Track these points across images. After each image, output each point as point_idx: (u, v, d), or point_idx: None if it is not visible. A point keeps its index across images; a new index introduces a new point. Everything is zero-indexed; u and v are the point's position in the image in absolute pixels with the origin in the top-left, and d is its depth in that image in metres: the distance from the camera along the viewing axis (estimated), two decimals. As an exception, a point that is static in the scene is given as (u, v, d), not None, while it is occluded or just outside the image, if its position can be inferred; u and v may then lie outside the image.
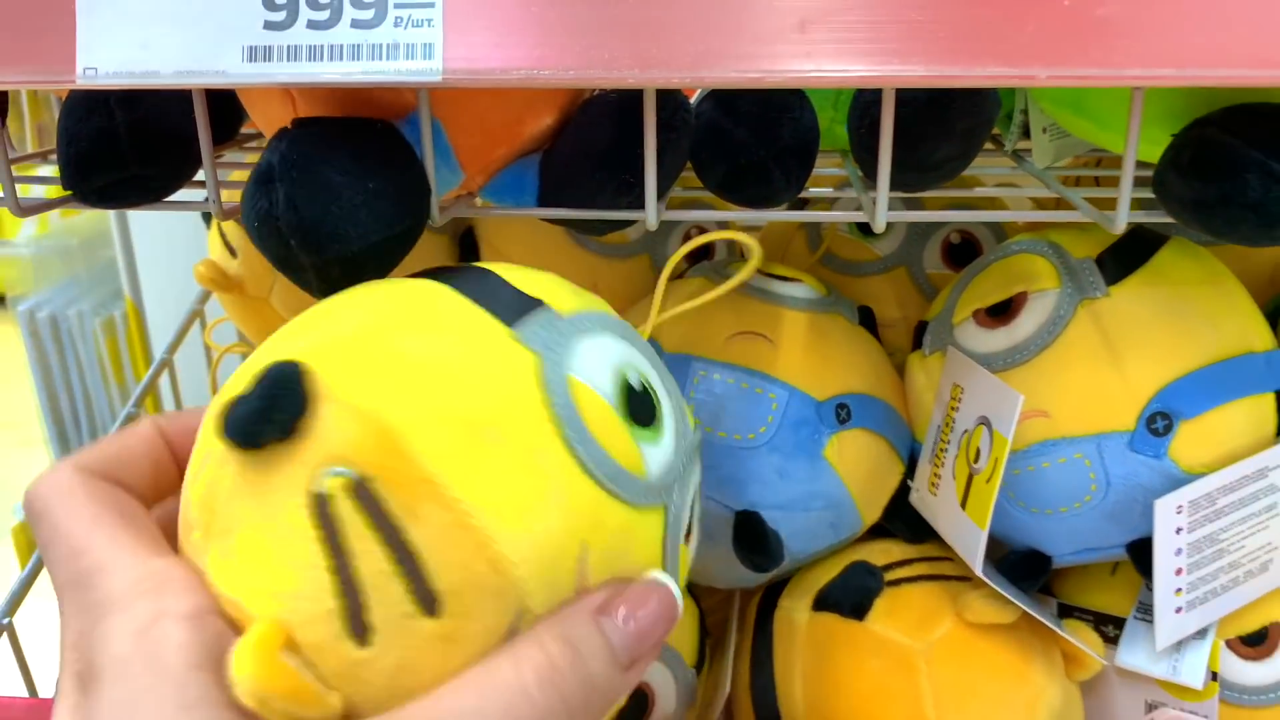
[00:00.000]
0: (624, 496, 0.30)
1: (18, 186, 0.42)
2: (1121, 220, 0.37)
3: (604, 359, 0.32)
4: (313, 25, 0.33)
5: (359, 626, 0.27)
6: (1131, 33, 0.31)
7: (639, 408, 0.31)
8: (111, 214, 0.77)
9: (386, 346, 0.29)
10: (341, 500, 0.27)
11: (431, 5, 0.33)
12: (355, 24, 0.33)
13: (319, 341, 0.30)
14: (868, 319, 0.57)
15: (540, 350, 0.30)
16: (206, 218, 0.73)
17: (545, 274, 0.34)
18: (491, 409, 0.28)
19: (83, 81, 0.34)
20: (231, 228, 0.65)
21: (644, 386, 0.32)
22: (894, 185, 0.42)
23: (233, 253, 0.65)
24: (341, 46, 0.33)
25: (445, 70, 0.33)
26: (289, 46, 0.33)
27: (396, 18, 0.33)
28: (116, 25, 0.34)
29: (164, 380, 0.72)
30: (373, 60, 0.33)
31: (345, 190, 0.34)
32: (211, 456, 0.29)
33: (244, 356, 0.75)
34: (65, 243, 1.09)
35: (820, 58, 0.32)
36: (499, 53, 0.33)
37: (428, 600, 0.27)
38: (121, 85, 0.34)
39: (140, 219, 0.99)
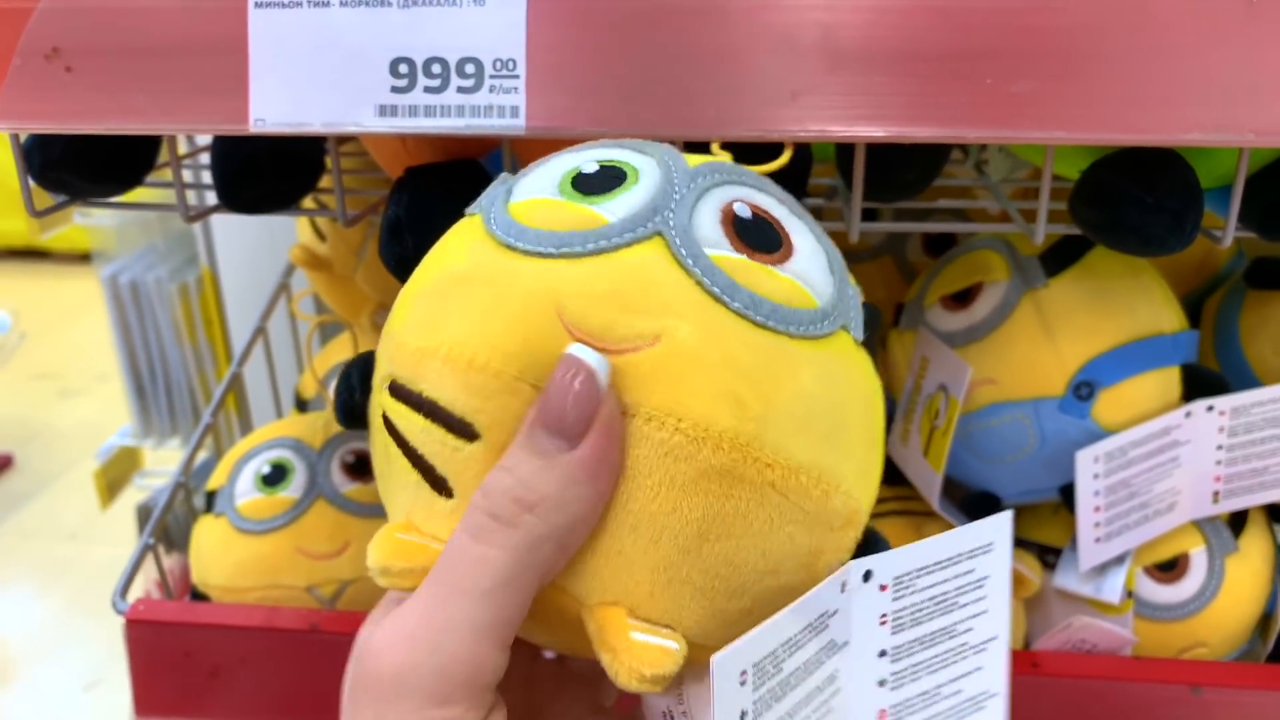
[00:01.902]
0: (586, 249, 0.32)
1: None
2: (1040, 235, 0.48)
3: (553, 169, 0.35)
4: (428, 90, 0.45)
5: (437, 484, 0.32)
6: (1035, 105, 0.42)
7: (588, 184, 0.33)
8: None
9: (404, 292, 0.35)
10: (389, 404, 0.33)
11: (517, 77, 0.44)
12: (460, 89, 0.45)
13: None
14: (855, 301, 0.68)
15: (482, 208, 0.35)
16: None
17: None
18: (460, 268, 0.33)
19: (254, 129, 0.46)
20: (310, 203, 0.77)
21: (603, 165, 0.34)
22: (871, 198, 0.54)
23: (321, 237, 0.77)
24: (450, 106, 0.45)
25: (527, 126, 0.44)
26: (410, 105, 0.45)
27: (491, 85, 0.44)
28: (280, 88, 0.46)
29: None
30: (473, 117, 0.44)
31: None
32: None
33: (332, 327, 0.87)
34: (144, 214, 1.21)
35: (807, 120, 0.43)
36: (568, 113, 0.44)
37: (464, 429, 0.31)
38: (283, 132, 0.46)
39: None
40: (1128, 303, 0.59)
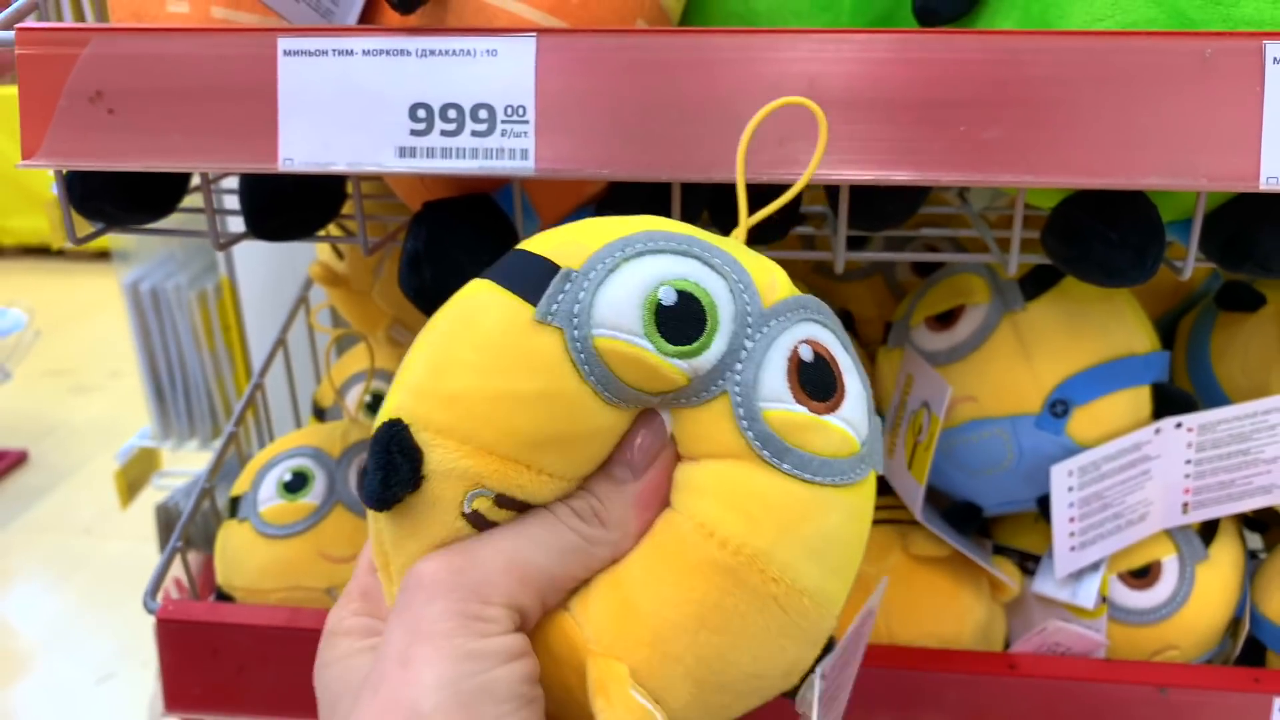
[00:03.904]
0: (660, 405, 0.36)
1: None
2: (1013, 266, 0.52)
3: (631, 290, 0.34)
4: (444, 133, 0.48)
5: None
6: (1005, 151, 0.46)
7: (675, 325, 0.34)
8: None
9: (454, 383, 0.34)
10: (490, 510, 0.35)
11: (527, 122, 0.48)
12: (474, 133, 0.48)
13: (408, 392, 0.35)
14: (845, 320, 0.72)
15: (562, 324, 0.34)
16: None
17: (579, 223, 0.38)
18: (547, 402, 0.34)
19: (283, 168, 0.49)
20: (335, 229, 0.81)
21: (682, 292, 0.34)
22: (859, 227, 0.57)
23: (340, 255, 0.80)
24: (464, 149, 0.48)
25: (537, 168, 0.48)
26: (427, 147, 0.48)
27: (503, 129, 0.48)
28: (307, 130, 0.49)
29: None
30: (486, 159, 0.48)
31: (469, 266, 0.50)
32: (369, 516, 0.37)
33: (349, 339, 0.90)
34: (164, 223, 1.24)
35: (793, 164, 0.47)
36: (573, 156, 0.48)
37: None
38: (310, 171, 0.49)
39: (231, 202, 1.14)
40: (1101, 325, 0.62)
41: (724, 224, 0.58)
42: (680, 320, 0.34)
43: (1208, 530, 0.68)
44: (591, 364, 0.34)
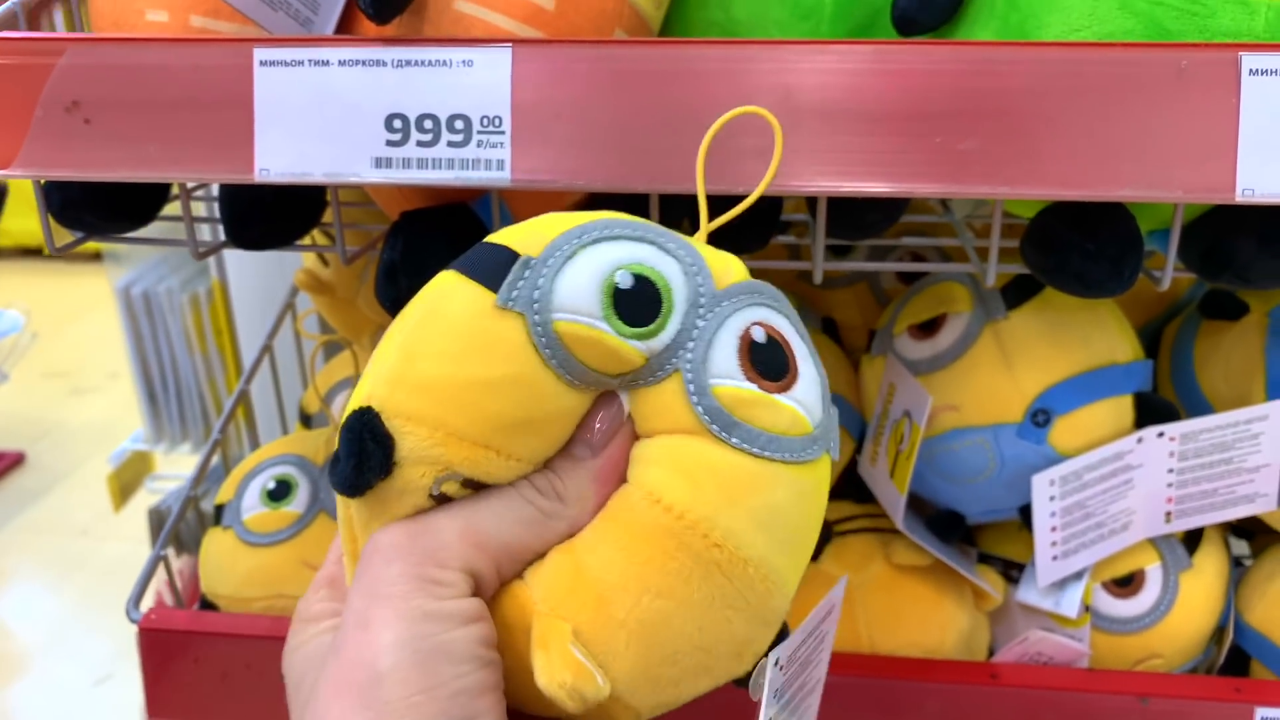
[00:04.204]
0: (616, 386, 0.36)
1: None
2: (991, 277, 0.52)
3: (588, 275, 0.35)
4: (420, 144, 0.48)
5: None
6: (981, 162, 0.46)
7: (630, 307, 0.35)
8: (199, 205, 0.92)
9: (424, 371, 0.35)
10: (457, 493, 0.36)
11: (502, 133, 0.48)
12: (450, 144, 0.48)
13: (379, 380, 0.36)
14: (830, 328, 0.72)
15: (523, 309, 0.34)
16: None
17: (540, 217, 0.38)
18: (512, 387, 0.34)
19: (259, 178, 0.49)
20: (320, 238, 0.81)
21: (639, 276, 0.35)
22: (840, 237, 0.57)
23: (325, 262, 0.80)
24: (440, 159, 0.48)
25: (513, 179, 0.48)
26: (403, 158, 0.48)
27: (479, 140, 0.48)
28: (283, 141, 0.49)
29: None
30: (462, 170, 0.48)
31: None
32: (339, 501, 0.38)
33: (334, 345, 0.90)
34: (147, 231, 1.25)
35: (778, 177, 0.47)
36: (550, 167, 0.48)
37: None
38: (285, 182, 0.49)
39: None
40: (1083, 334, 0.62)
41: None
42: (637, 303, 0.35)
43: (1192, 538, 0.68)
44: (553, 348, 0.34)
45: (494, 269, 0.35)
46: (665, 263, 0.36)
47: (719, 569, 0.34)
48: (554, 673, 0.33)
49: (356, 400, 0.36)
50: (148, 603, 0.68)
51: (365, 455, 0.34)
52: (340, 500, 0.38)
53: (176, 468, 1.44)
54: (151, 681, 0.65)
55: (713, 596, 0.34)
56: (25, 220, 3.71)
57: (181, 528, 1.32)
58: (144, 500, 1.43)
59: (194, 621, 0.65)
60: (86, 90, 0.50)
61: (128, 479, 1.39)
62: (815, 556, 0.66)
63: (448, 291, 0.36)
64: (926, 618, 0.64)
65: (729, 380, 0.35)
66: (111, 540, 2.42)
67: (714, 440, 0.35)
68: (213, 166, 0.50)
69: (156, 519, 1.32)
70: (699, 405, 0.35)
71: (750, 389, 0.35)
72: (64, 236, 0.58)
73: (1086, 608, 0.66)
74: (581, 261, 0.35)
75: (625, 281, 0.35)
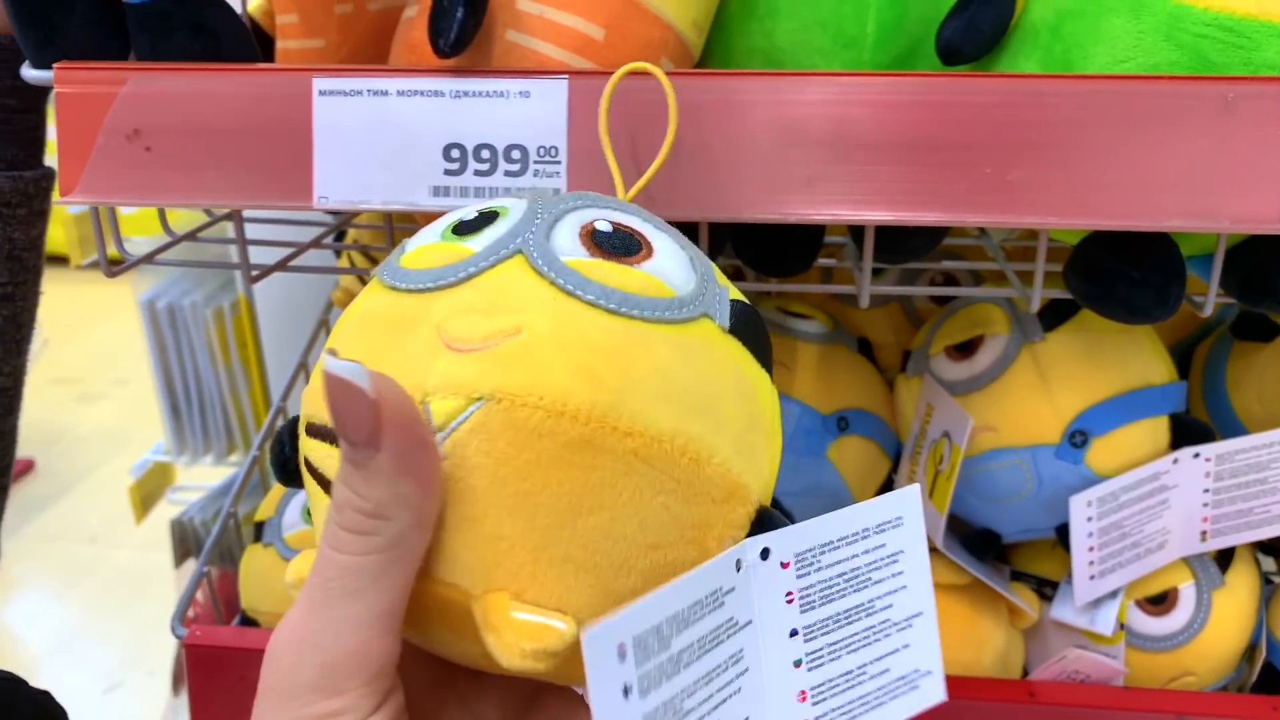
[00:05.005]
0: (459, 277, 0.34)
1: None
2: (1035, 302, 0.53)
3: (437, 225, 0.38)
4: (478, 173, 0.49)
5: None
6: (1029, 192, 0.47)
7: (466, 228, 0.36)
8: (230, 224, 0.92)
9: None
10: (308, 444, 0.35)
11: (559, 162, 0.49)
12: (507, 173, 0.49)
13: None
14: (865, 348, 0.73)
15: (379, 269, 0.38)
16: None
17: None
18: (348, 322, 0.36)
19: (318, 205, 0.50)
20: (359, 260, 0.82)
21: (482, 213, 0.37)
22: (881, 260, 0.58)
23: (362, 281, 0.81)
24: (498, 188, 0.49)
25: (568, 207, 0.48)
26: (461, 186, 0.49)
27: (535, 169, 0.49)
28: (341, 169, 0.50)
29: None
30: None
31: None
32: None
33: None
34: (194, 255, 1.26)
35: (820, 205, 0.48)
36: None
37: None
38: (344, 208, 0.50)
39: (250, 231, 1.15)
40: (1120, 356, 0.63)
41: (748, 258, 0.59)
42: (475, 223, 0.36)
43: (1224, 556, 0.69)
44: (392, 273, 0.36)
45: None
46: (513, 202, 0.37)
47: (637, 457, 0.32)
48: (512, 648, 0.31)
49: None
50: (161, 606, 0.68)
51: (279, 448, 0.39)
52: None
53: (197, 479, 1.45)
54: (197, 698, 0.66)
55: (640, 488, 0.32)
56: (35, 228, 3.73)
57: (203, 539, 1.33)
58: (158, 510, 1.44)
59: (239, 638, 0.66)
60: (148, 118, 0.51)
61: (149, 490, 1.40)
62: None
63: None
64: (964, 635, 0.65)
65: (575, 256, 0.34)
66: (121, 548, 2.43)
67: (568, 301, 0.33)
68: (271, 193, 0.51)
69: (179, 531, 1.33)
70: (548, 269, 0.34)
71: (595, 261, 0.34)
72: (91, 252, 0.59)
73: (1121, 626, 0.66)
74: (443, 218, 0.38)
75: (468, 215, 0.37)
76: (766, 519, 0.35)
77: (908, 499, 0.37)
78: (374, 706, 0.31)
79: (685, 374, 0.33)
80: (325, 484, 0.34)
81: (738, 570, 0.34)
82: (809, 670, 0.37)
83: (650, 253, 0.36)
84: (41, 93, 0.61)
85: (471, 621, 0.32)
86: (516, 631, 0.31)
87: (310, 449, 0.35)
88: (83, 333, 3.63)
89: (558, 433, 0.31)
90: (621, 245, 0.35)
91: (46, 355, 3.18)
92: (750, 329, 0.37)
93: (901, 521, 0.37)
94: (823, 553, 0.36)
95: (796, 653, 0.36)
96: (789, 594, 0.35)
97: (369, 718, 0.31)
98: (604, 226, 0.36)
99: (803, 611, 0.36)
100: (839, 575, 0.36)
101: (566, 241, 0.35)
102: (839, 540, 0.36)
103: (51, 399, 3.20)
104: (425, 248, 0.36)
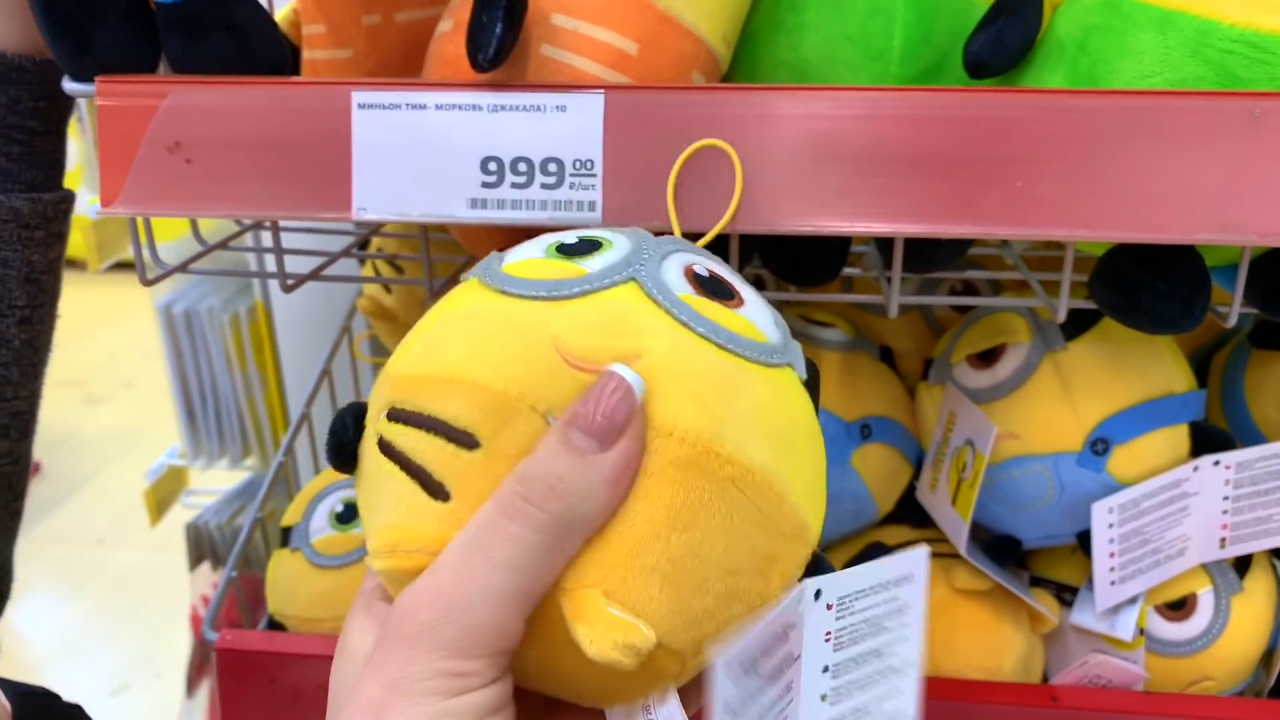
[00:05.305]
0: (572, 293, 0.36)
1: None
2: (1062, 314, 0.54)
3: (535, 244, 0.40)
4: (515, 186, 0.50)
5: (433, 489, 0.35)
6: (1059, 205, 0.47)
7: (572, 250, 0.38)
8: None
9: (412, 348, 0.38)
10: (387, 428, 0.36)
11: (595, 175, 0.49)
12: (543, 185, 0.50)
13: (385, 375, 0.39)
14: (887, 356, 0.73)
15: (477, 272, 0.40)
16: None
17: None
18: (448, 308, 0.39)
19: (357, 217, 0.51)
20: (385, 269, 0.83)
21: (584, 239, 0.39)
22: (907, 270, 0.59)
23: (388, 289, 0.82)
24: (534, 200, 0.50)
25: (604, 219, 0.49)
26: (498, 199, 0.50)
27: (571, 182, 0.50)
28: (380, 181, 0.51)
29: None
30: (555, 211, 0.50)
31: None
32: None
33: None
34: (198, 247, 1.26)
35: (852, 217, 0.48)
36: (639, 208, 0.49)
37: (465, 440, 0.35)
38: (384, 220, 0.51)
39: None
40: (1141, 365, 0.64)
41: (775, 268, 0.60)
42: (576, 249, 0.38)
43: (1242, 562, 0.69)
44: (498, 278, 0.38)
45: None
46: (616, 236, 0.39)
47: (733, 484, 0.34)
48: (602, 638, 0.32)
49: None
50: (169, 607, 0.69)
51: (342, 428, 0.38)
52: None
53: (211, 483, 1.46)
54: (228, 701, 0.66)
55: (731, 514, 0.34)
56: (42, 231, 3.73)
57: (218, 540, 1.34)
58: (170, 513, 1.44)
59: (268, 642, 0.66)
60: (188, 131, 0.51)
61: (164, 494, 1.41)
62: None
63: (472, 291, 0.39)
64: (986, 640, 0.66)
65: (683, 291, 0.37)
66: (127, 549, 2.44)
67: (684, 331, 0.35)
68: (311, 205, 0.52)
69: (194, 534, 1.34)
70: (663, 299, 0.36)
71: (702, 299, 0.37)
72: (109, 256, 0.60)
73: (1141, 631, 0.67)
74: (537, 239, 0.40)
75: (569, 239, 0.39)
76: (818, 562, 0.38)
77: (919, 559, 0.40)
78: (494, 679, 0.33)
79: (777, 414, 0.36)
80: (411, 468, 0.35)
81: (799, 607, 0.37)
82: (831, 704, 0.40)
83: (742, 301, 0.38)
84: (63, 114, 0.62)
85: (548, 617, 0.34)
86: (609, 625, 0.33)
87: (398, 434, 0.36)
88: (89, 335, 3.64)
89: (664, 451, 0.34)
90: (720, 290, 0.38)
91: (53, 357, 3.18)
92: (817, 385, 0.40)
93: (913, 578, 0.41)
94: (857, 598, 0.39)
95: (825, 687, 0.39)
96: (828, 633, 0.38)
97: (489, 686, 0.33)
98: (703, 270, 0.38)
99: (835, 650, 0.39)
100: (864, 620, 0.40)
101: (674, 278, 0.37)
102: (869, 589, 0.39)
103: (58, 401, 3.18)
104: (531, 261, 0.38)
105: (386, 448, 0.36)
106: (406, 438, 0.36)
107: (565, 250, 0.38)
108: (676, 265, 0.38)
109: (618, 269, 0.37)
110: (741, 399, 0.35)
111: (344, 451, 0.38)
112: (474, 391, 0.35)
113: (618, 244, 0.39)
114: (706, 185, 0.49)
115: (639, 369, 0.34)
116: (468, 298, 0.38)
